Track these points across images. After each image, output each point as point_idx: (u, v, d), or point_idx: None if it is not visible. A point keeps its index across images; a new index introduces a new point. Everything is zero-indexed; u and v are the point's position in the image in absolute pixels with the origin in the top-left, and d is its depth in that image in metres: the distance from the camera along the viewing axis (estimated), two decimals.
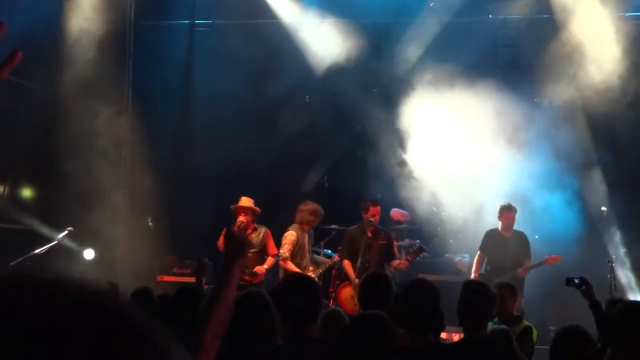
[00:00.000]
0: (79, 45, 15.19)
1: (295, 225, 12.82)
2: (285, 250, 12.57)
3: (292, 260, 12.56)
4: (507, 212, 12.93)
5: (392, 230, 13.78)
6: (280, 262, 12.60)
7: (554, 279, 9.97)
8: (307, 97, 15.98)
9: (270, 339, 5.25)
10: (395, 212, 14.74)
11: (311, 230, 13.12)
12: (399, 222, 14.89)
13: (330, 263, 13.01)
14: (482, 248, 13.07)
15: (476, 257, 13.11)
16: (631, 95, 13.93)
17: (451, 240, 14.79)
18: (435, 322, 5.86)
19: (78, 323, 1.12)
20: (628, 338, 5.46)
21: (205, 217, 14.56)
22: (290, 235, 12.68)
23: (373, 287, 6.72)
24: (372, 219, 12.58)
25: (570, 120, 14.39)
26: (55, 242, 13.07)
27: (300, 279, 6.60)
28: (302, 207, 12.99)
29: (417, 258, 12.83)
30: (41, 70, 14.99)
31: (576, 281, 7.70)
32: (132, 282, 10.98)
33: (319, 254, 13.76)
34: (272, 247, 12.80)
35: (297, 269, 12.34)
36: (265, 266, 12.64)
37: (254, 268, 12.56)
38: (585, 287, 7.56)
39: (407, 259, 12.48)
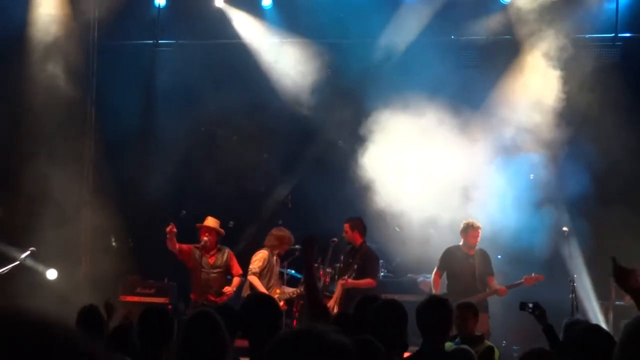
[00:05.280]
0: (42, 65, 15.12)
1: (265, 247, 12.84)
2: (255, 266, 12.54)
3: (260, 280, 12.53)
4: (473, 230, 12.73)
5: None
6: (249, 277, 12.55)
7: (517, 299, 10.04)
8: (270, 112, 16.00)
9: (222, 358, 5.27)
10: None
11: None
12: None
13: (296, 293, 12.91)
14: (441, 266, 12.83)
15: (434, 276, 12.83)
16: (591, 117, 14.06)
17: (398, 259, 14.83)
18: (400, 342, 5.89)
19: None
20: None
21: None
22: (261, 254, 12.69)
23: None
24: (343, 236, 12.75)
25: (530, 139, 14.49)
26: (18, 262, 12.95)
27: (260, 298, 6.63)
28: (273, 231, 13.02)
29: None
30: (3, 88, 14.94)
31: (530, 305, 7.85)
32: (95, 302, 10.90)
33: (282, 274, 13.70)
34: (236, 268, 12.81)
35: (263, 287, 12.34)
36: (233, 288, 12.64)
37: (218, 288, 12.56)
38: (538, 311, 7.68)
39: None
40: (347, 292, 12.10)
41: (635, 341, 3.74)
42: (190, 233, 12.81)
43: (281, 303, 12.34)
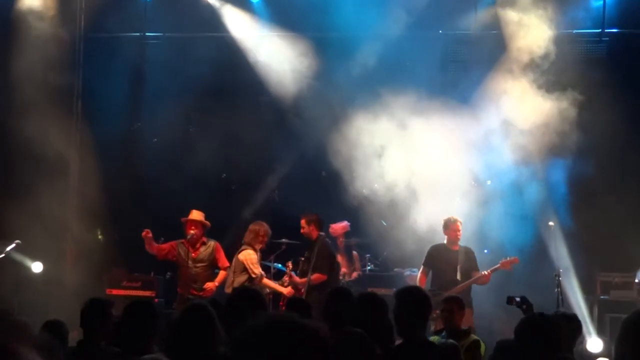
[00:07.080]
0: (28, 58, 15.04)
1: (245, 245, 12.71)
2: (257, 271, 12.41)
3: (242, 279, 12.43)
4: (453, 224, 12.89)
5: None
6: (263, 282, 12.43)
7: (503, 293, 10.06)
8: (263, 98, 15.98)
9: (215, 350, 5.28)
10: (333, 227, 14.58)
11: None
12: (346, 235, 14.64)
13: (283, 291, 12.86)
14: (427, 264, 12.92)
15: (420, 274, 12.94)
16: (576, 111, 14.10)
17: (385, 253, 14.85)
18: (385, 335, 5.90)
19: None
20: None
21: (155, 230, 14.48)
22: (250, 255, 12.51)
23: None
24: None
25: (517, 134, 14.49)
26: (3, 254, 12.92)
27: (246, 291, 6.65)
28: (250, 226, 12.90)
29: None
30: None
31: (517, 299, 7.87)
32: (81, 296, 10.88)
33: (269, 267, 13.65)
34: (223, 260, 12.73)
35: (275, 284, 12.40)
36: (216, 283, 12.59)
37: (203, 282, 12.51)
38: (525, 305, 7.71)
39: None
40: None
41: (632, 335, 3.77)
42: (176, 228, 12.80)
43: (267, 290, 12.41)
